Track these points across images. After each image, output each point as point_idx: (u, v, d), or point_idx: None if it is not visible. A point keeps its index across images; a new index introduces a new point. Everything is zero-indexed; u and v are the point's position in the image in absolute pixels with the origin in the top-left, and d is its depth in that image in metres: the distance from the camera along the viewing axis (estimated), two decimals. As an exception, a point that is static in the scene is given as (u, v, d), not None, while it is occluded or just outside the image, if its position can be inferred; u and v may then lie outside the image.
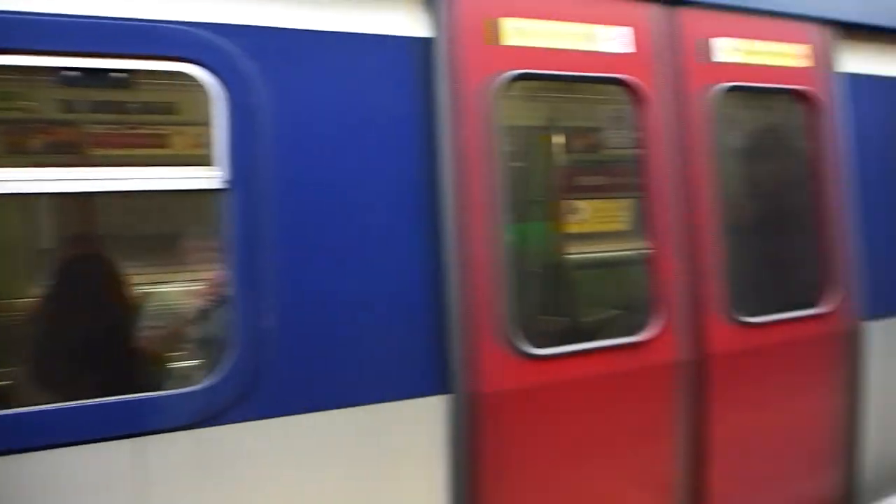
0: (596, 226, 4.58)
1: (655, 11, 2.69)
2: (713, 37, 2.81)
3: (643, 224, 2.66)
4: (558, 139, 4.00)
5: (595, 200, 4.29)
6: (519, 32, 2.42)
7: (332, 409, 2.10)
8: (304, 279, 2.08)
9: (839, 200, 3.04)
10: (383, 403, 2.18)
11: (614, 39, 2.58)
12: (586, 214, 4.50)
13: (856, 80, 3.16)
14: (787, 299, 3.02)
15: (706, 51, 2.79)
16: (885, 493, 3.23)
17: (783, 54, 2.95)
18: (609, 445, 2.57)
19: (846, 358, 3.07)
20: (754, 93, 2.99)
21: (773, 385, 2.92)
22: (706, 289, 2.69)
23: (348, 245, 2.14)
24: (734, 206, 2.96)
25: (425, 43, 2.29)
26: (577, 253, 4.42)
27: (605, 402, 2.54)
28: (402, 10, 2.28)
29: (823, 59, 3.05)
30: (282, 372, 2.03)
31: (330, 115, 2.13)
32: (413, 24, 2.29)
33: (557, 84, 3.05)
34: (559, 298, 4.11)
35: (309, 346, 2.07)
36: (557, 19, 2.49)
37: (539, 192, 4.39)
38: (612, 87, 2.66)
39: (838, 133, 3.06)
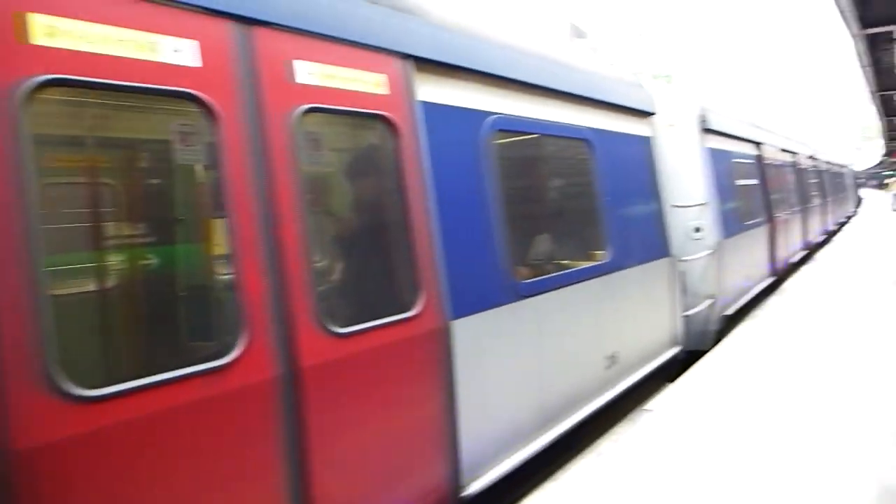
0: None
1: (229, 28, 2.65)
2: (294, 59, 2.88)
3: (227, 242, 2.58)
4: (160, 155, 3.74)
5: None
6: (61, 32, 2.14)
7: None
8: None
9: (422, 214, 3.38)
10: None
11: (179, 52, 2.46)
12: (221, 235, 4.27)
13: (432, 107, 3.57)
14: (384, 306, 3.24)
15: (287, 72, 2.85)
16: (482, 471, 3.69)
17: (363, 81, 3.18)
18: (204, 474, 2.41)
19: (439, 354, 3.42)
20: (338, 115, 3.15)
21: (375, 387, 3.09)
22: (295, 304, 2.72)
23: None
24: (327, 222, 3.07)
25: None
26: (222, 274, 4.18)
27: (194, 432, 2.37)
28: None
29: (401, 88, 3.38)
30: None
31: None
32: None
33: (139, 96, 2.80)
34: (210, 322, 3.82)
35: None
36: (109, 23, 2.28)
37: (171, 211, 4.05)
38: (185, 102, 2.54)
39: (418, 154, 3.41)
